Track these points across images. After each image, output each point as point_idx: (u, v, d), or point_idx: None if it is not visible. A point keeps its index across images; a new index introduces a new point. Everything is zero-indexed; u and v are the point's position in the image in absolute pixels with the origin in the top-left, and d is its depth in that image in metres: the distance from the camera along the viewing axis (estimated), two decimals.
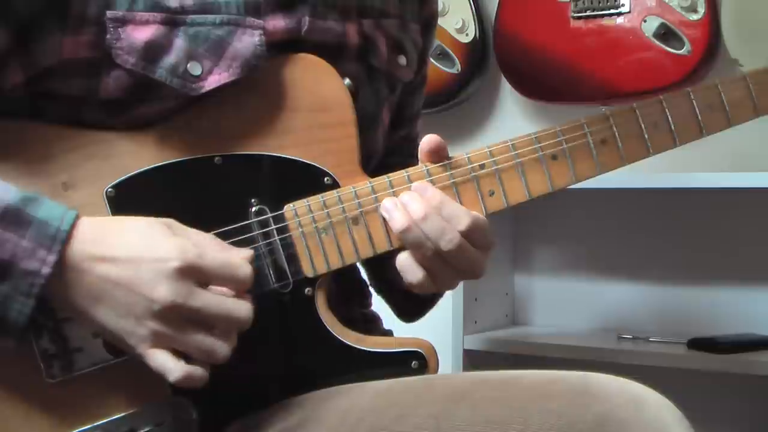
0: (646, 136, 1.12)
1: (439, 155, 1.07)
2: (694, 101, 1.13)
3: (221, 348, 0.96)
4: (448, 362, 2.12)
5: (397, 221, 1.04)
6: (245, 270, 0.97)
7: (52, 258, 0.93)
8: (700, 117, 1.14)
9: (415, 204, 1.04)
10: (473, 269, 1.06)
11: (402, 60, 1.18)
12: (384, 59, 1.16)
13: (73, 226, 0.95)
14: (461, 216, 1.04)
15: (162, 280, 0.93)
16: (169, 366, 0.94)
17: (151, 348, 0.94)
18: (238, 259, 0.97)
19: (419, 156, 1.08)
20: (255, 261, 1.02)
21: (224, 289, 0.97)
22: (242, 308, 0.97)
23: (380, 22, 1.16)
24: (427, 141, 1.07)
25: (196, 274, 0.95)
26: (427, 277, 1.05)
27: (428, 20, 1.27)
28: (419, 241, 1.03)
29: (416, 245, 1.03)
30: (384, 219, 1.05)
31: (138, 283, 0.94)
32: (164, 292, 0.93)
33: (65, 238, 0.94)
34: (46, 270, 0.93)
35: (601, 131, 1.11)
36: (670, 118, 1.13)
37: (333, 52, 1.09)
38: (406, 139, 1.28)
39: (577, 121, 1.11)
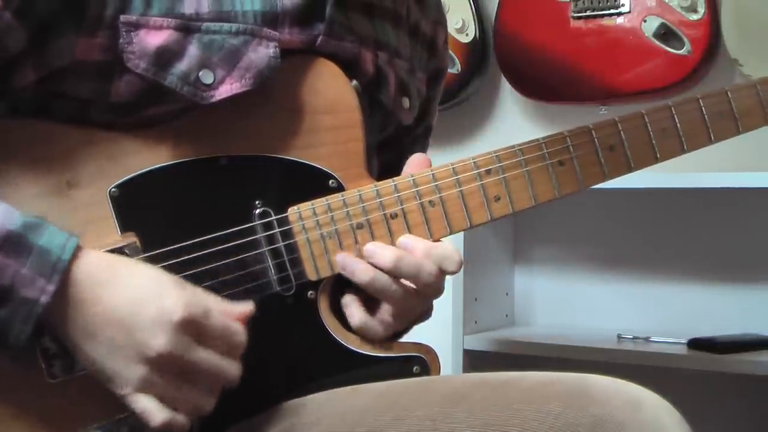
0: (654, 142, 1.11)
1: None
2: (703, 108, 1.12)
3: (207, 403, 0.96)
4: (448, 362, 2.12)
5: (360, 274, 1.04)
6: (241, 338, 0.97)
7: (51, 288, 0.92)
8: (709, 124, 1.13)
9: (380, 250, 1.04)
10: (440, 291, 1.08)
11: (406, 103, 1.17)
12: (391, 96, 1.14)
13: (74, 255, 0.94)
14: (451, 256, 1.05)
15: (163, 329, 0.93)
16: (152, 411, 0.93)
17: (137, 393, 0.94)
18: (236, 324, 0.97)
19: (405, 167, 1.08)
20: (258, 263, 1.02)
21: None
22: (232, 369, 0.96)
23: (393, 60, 1.15)
24: (419, 157, 1.08)
25: (195, 331, 0.94)
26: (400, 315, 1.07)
27: (435, 73, 1.26)
28: (386, 285, 1.04)
29: (384, 290, 1.04)
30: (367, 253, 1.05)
31: (137, 328, 0.93)
32: (163, 342, 0.92)
33: (66, 268, 0.93)
34: (44, 299, 0.92)
35: (609, 137, 1.10)
36: (678, 125, 1.12)
37: (346, 67, 1.07)
38: None
39: (584, 126, 1.10)
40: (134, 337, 0.93)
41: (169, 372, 0.94)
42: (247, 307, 0.99)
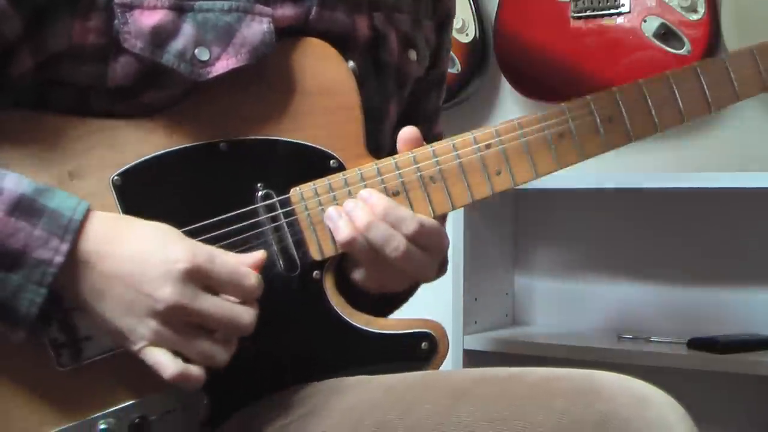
0: (653, 112, 1.11)
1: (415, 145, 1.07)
2: (701, 76, 1.12)
3: (220, 353, 0.96)
4: (448, 362, 2.10)
5: (342, 231, 1.03)
6: (252, 280, 0.97)
7: (64, 247, 0.93)
8: (708, 92, 1.12)
9: (358, 212, 1.03)
10: (424, 273, 1.07)
11: (413, 55, 1.18)
12: (394, 53, 1.15)
13: (85, 217, 0.95)
14: (408, 220, 1.03)
15: (168, 280, 0.93)
16: (165, 362, 0.94)
17: (150, 346, 0.94)
18: (246, 268, 0.97)
19: (398, 145, 1.07)
20: (263, 245, 1.03)
21: (230, 297, 0.97)
22: (245, 315, 0.96)
23: (392, 17, 1.15)
24: (409, 131, 1.07)
25: (203, 278, 0.95)
26: (374, 278, 1.06)
27: (442, 18, 1.26)
28: (363, 251, 1.03)
29: (361, 254, 1.04)
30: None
31: (144, 281, 0.94)
32: (169, 292, 0.93)
33: (78, 228, 0.94)
34: (58, 259, 0.93)
35: (607, 108, 1.10)
36: (677, 94, 1.12)
37: (338, 42, 1.08)
38: (425, 137, 1.27)
39: (583, 98, 1.10)
40: (141, 290, 0.94)
41: (179, 323, 0.94)
42: (258, 254, 0.99)
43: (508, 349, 2.12)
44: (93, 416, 0.99)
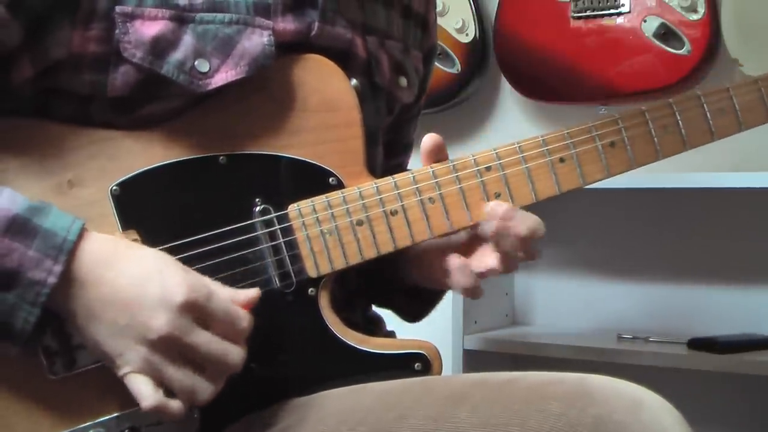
0: (656, 139, 1.11)
1: (441, 154, 1.08)
2: (705, 105, 1.12)
3: (205, 389, 0.96)
4: (448, 362, 2.12)
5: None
6: (245, 324, 0.97)
7: (58, 268, 0.93)
8: (711, 121, 1.13)
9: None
10: None
11: (403, 81, 1.18)
12: (386, 78, 1.15)
13: (80, 236, 0.95)
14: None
15: (164, 310, 0.93)
16: (145, 392, 0.94)
17: (135, 374, 0.94)
18: (241, 310, 0.98)
19: (421, 155, 1.08)
20: (259, 260, 1.03)
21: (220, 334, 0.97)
22: (235, 353, 0.96)
23: (384, 42, 1.16)
24: (431, 139, 1.08)
25: (198, 313, 0.95)
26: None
27: (429, 51, 1.27)
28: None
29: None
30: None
31: (139, 308, 0.94)
32: (164, 322, 0.93)
33: (71, 249, 0.94)
34: (51, 280, 0.93)
35: (609, 134, 1.10)
36: (680, 122, 1.12)
37: (340, 58, 1.09)
38: (398, 167, 1.27)
39: (584, 124, 1.10)
40: (136, 317, 0.94)
41: (169, 354, 0.94)
42: (252, 292, 0.99)
43: (508, 349, 2.12)
44: (82, 425, 0.98)
